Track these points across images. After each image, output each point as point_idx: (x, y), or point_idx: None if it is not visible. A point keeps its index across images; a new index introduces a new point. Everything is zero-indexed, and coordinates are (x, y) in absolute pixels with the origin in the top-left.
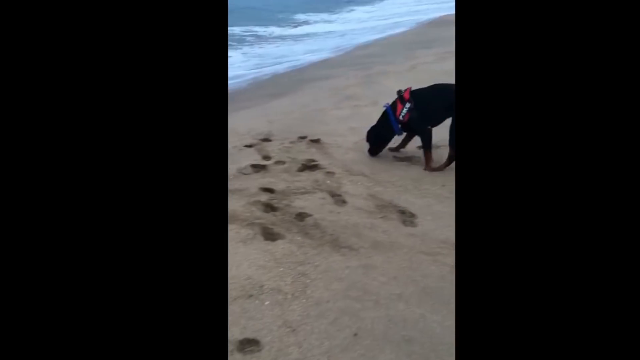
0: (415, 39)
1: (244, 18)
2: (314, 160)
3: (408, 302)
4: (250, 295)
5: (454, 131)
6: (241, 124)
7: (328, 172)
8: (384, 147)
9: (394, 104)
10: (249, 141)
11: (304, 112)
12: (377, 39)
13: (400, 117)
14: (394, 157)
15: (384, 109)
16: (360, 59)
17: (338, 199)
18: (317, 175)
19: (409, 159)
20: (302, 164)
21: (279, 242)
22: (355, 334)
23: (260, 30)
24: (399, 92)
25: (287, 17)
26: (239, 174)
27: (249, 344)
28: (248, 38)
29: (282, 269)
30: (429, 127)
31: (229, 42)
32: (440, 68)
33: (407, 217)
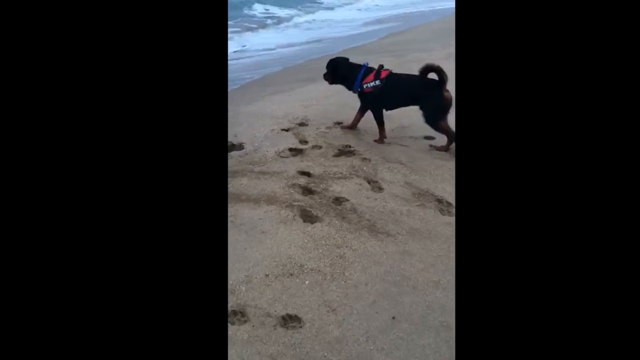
0: (452, 26)
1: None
2: (349, 146)
3: (446, 290)
4: (291, 274)
5: (431, 117)
6: (278, 108)
7: (364, 159)
8: (333, 83)
9: (370, 70)
10: (286, 125)
11: (339, 97)
12: (412, 25)
13: (364, 86)
14: (431, 146)
15: (365, 63)
16: (394, 45)
17: (375, 185)
18: (354, 161)
19: (446, 150)
20: (339, 150)
21: (317, 224)
22: (394, 317)
23: (284, 12)
24: (381, 66)
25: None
26: (277, 156)
27: (291, 320)
28: (268, 20)
29: (320, 251)
30: (382, 109)
31: (252, 24)
32: None
33: (444, 206)
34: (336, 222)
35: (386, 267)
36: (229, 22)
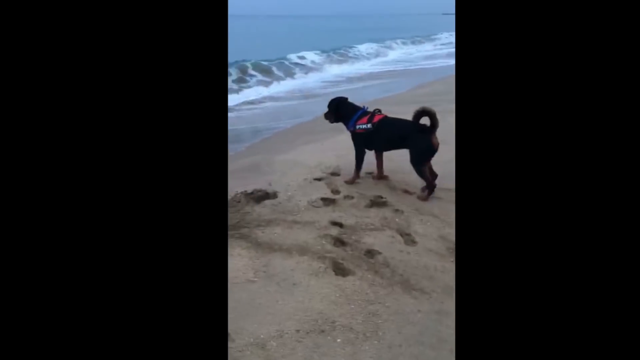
0: None
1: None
2: (381, 197)
3: None
4: (323, 331)
5: (415, 159)
6: (310, 157)
7: (396, 210)
8: (333, 122)
9: (365, 113)
10: (318, 174)
11: None
12: (441, 77)
13: (357, 127)
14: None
15: (364, 107)
16: (424, 97)
17: (407, 238)
18: (386, 212)
19: (425, 199)
20: (371, 200)
21: (350, 277)
22: None
23: (314, 57)
24: (376, 110)
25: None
26: (310, 206)
27: None
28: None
29: (353, 307)
30: (374, 149)
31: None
32: None
33: None
34: (368, 276)
35: (421, 327)
36: (268, 66)
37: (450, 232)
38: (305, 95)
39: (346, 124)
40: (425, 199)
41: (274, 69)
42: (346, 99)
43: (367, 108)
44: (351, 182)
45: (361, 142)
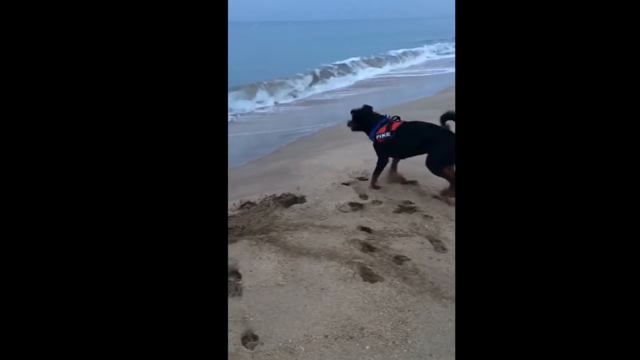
0: None
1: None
2: (410, 202)
3: None
4: (351, 337)
5: (435, 161)
6: (338, 161)
7: (426, 216)
8: (355, 129)
9: (386, 122)
10: (346, 179)
11: None
12: None
13: (377, 136)
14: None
15: (385, 116)
16: (449, 101)
17: (437, 244)
18: (415, 218)
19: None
20: (399, 206)
21: (378, 284)
22: None
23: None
24: (395, 117)
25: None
26: (338, 210)
27: None
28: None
29: (381, 313)
30: (398, 157)
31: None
32: None
33: None
34: (397, 282)
35: (452, 337)
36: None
37: None
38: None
39: (368, 133)
40: (453, 202)
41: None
42: (370, 108)
43: (389, 116)
44: (371, 186)
45: (383, 151)
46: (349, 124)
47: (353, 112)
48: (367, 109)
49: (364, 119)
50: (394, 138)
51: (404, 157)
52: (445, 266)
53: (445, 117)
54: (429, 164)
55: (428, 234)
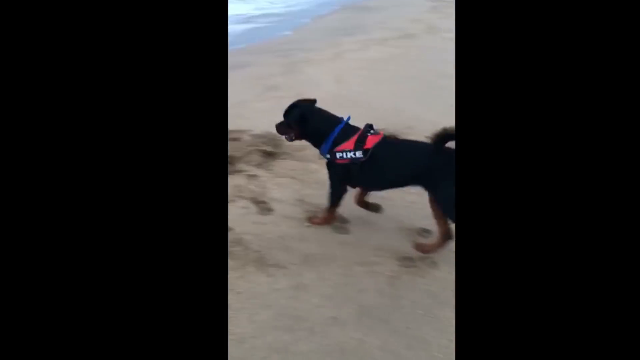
0: (337, 25)
1: None
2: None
3: (345, 326)
4: None
5: (448, 203)
6: None
7: (251, 175)
8: (291, 139)
9: (351, 131)
10: None
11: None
12: (298, 24)
13: (337, 155)
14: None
15: (344, 119)
16: (279, 45)
17: (263, 206)
18: (240, 179)
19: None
20: None
21: None
22: None
23: None
24: (368, 127)
25: None
26: None
27: None
28: None
29: None
30: (365, 189)
31: None
32: (366, 56)
33: (339, 222)
34: None
35: (277, 309)
36: None
37: (308, 194)
38: None
39: (317, 146)
40: (434, 250)
41: None
42: (314, 102)
43: (349, 119)
44: (319, 223)
45: (342, 177)
46: (281, 130)
47: (288, 110)
48: (309, 107)
49: (310, 124)
50: (369, 162)
51: (382, 190)
52: (271, 230)
53: (442, 137)
54: (446, 206)
55: (253, 195)
